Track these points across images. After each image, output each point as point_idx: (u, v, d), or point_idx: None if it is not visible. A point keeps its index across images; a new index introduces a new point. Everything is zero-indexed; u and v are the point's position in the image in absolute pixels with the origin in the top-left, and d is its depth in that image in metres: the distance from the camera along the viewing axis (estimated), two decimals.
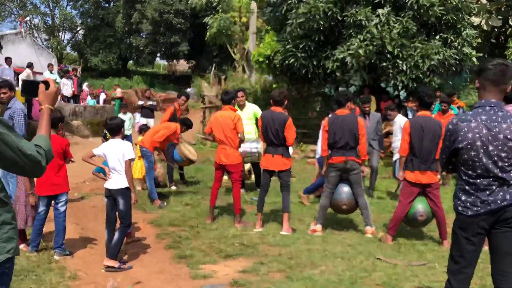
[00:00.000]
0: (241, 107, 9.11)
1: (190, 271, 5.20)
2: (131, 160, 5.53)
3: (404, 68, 11.97)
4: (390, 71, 12.16)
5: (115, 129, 5.55)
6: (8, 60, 14.89)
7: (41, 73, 17.53)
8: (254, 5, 17.97)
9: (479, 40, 13.41)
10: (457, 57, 12.29)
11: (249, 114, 9.10)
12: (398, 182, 8.23)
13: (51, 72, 16.56)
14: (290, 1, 13.15)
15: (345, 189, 6.47)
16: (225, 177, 7.92)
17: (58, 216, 5.57)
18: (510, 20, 13.67)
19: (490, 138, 3.19)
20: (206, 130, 7.21)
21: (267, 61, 14.06)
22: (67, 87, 16.93)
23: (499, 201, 3.18)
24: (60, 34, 40.42)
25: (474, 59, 12.72)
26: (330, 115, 8.61)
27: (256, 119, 8.68)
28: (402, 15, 12.15)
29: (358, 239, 6.23)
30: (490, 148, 3.20)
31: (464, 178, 3.33)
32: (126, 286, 4.96)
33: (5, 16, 37.19)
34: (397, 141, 8.32)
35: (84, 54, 38.99)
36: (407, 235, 6.41)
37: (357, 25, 12.01)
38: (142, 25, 34.59)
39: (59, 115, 5.64)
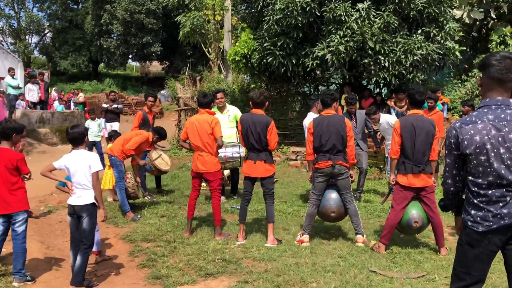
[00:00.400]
0: (221, 109, 8.65)
1: None
2: (99, 172, 5.05)
3: (386, 64, 11.66)
4: (372, 67, 11.83)
5: (77, 139, 5.05)
6: None
7: (3, 78, 16.78)
8: (228, 2, 17.51)
9: (461, 33, 13.21)
10: (440, 51, 12.04)
11: (229, 117, 8.65)
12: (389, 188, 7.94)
13: (12, 77, 15.78)
14: None
15: (333, 195, 6.08)
16: (204, 185, 7.48)
17: (15, 237, 5.04)
18: (492, 12, 13.51)
19: (500, 139, 2.82)
20: (182, 136, 6.73)
21: (244, 60, 13.61)
22: (33, 93, 16.16)
23: None
24: (27, 37, 39.34)
25: (457, 53, 12.51)
26: (308, 113, 8.30)
27: (237, 122, 8.28)
28: (383, 9, 11.84)
29: (348, 249, 5.84)
30: (502, 150, 2.82)
31: (473, 189, 2.94)
32: None
33: None
34: (389, 140, 7.99)
35: (52, 57, 38.18)
36: (401, 243, 6.05)
37: (337, 20, 11.66)
38: (113, 26, 33.85)
39: (12, 125, 5.11)
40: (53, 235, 7.22)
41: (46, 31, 40.06)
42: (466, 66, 14.24)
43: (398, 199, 5.64)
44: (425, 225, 5.73)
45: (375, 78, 12.24)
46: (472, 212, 2.93)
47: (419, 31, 12.15)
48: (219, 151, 8.02)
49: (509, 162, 2.81)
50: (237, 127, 8.25)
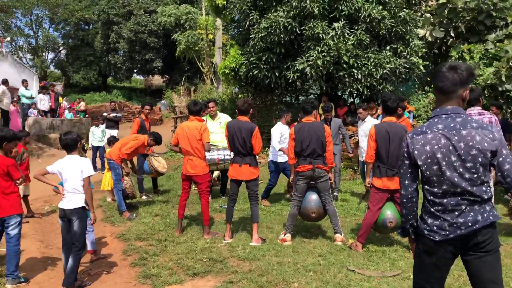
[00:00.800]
0: (213, 117, 8.19)
1: None
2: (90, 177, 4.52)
3: (359, 76, 11.24)
4: (346, 79, 11.39)
5: (70, 145, 4.54)
6: None
7: (18, 89, 16.10)
8: (219, 22, 16.99)
9: (425, 50, 12.84)
10: (406, 65, 11.65)
11: (220, 123, 8.16)
12: (364, 191, 7.48)
13: (26, 88, 15.15)
14: (252, 17, 12.26)
15: (313, 197, 5.59)
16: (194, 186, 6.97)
17: (9, 240, 4.49)
18: (451, 31, 13.15)
19: (451, 148, 2.42)
20: (172, 141, 6.20)
21: (232, 73, 13.10)
22: (44, 102, 15.53)
23: (470, 223, 2.39)
24: (44, 54, 38.43)
25: (421, 67, 12.12)
26: (278, 122, 7.86)
27: None
28: (356, 28, 11.42)
29: (328, 247, 5.35)
30: (453, 159, 2.42)
31: (429, 198, 2.52)
32: None
33: None
34: (364, 141, 7.54)
35: (66, 71, 37.41)
36: (376, 241, 5.58)
37: (315, 38, 11.21)
38: (119, 44, 33.32)
39: (2, 134, 4.55)
40: (54, 234, 6.64)
41: (61, 48, 39.10)
42: (428, 79, 13.87)
43: (374, 200, 5.17)
44: (399, 225, 5.25)
45: (349, 89, 11.79)
46: (429, 221, 2.51)
47: (388, 48, 11.76)
48: (212, 153, 7.57)
49: (461, 170, 2.40)
50: None
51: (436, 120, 2.52)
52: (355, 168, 10.68)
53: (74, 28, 37.36)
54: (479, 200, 2.40)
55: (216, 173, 8.52)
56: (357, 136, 10.26)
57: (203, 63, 19.97)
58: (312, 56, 11.15)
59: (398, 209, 5.17)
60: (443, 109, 2.51)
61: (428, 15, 13.41)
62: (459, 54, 12.45)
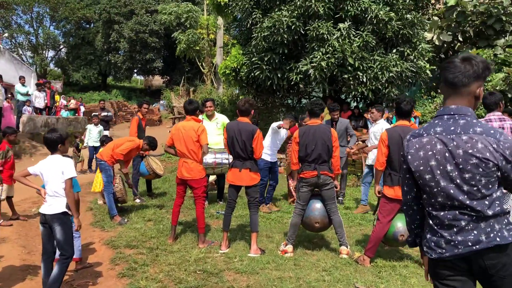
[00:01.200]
0: (210, 117, 7.74)
1: None
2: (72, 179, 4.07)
3: (364, 79, 10.82)
4: (351, 82, 10.97)
5: (51, 144, 4.09)
6: None
7: (14, 85, 15.67)
8: (220, 21, 16.57)
9: (431, 54, 12.44)
10: (413, 69, 11.24)
11: (217, 124, 7.72)
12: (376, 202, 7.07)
13: (22, 85, 14.69)
14: (254, 16, 11.85)
15: (317, 205, 5.16)
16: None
17: None
18: (458, 35, 12.75)
19: (447, 155, 2.03)
20: (167, 142, 5.76)
21: (233, 74, 12.68)
22: (39, 99, 15.07)
23: (470, 243, 1.97)
24: (44, 51, 38.02)
25: (428, 71, 11.71)
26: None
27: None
28: (362, 29, 11.02)
29: (332, 261, 4.91)
30: (449, 168, 2.03)
31: (427, 209, 2.14)
32: None
33: None
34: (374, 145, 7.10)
35: (66, 70, 37.11)
36: (385, 255, 5.14)
37: (319, 38, 10.80)
38: (120, 44, 33.05)
39: None
40: (38, 238, 6.10)
41: (61, 46, 38.74)
42: (434, 84, 13.48)
43: (385, 211, 4.73)
44: None
45: (353, 92, 11.38)
46: (428, 235, 2.13)
47: (394, 51, 11.35)
48: (209, 156, 7.14)
49: (458, 181, 2.00)
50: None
51: (436, 121, 2.13)
52: (358, 174, 10.25)
53: (75, 27, 37.05)
54: (482, 216, 1.98)
55: (212, 177, 8.10)
56: (360, 141, 9.85)
57: (203, 63, 19.52)
58: (316, 57, 10.74)
59: None
60: (447, 108, 2.11)
61: (435, 18, 13.03)
62: None
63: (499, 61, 11.47)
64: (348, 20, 10.87)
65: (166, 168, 11.21)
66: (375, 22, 10.84)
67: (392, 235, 4.75)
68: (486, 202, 1.98)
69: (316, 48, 10.91)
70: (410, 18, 11.08)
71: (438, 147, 2.05)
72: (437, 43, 12.77)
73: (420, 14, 12.20)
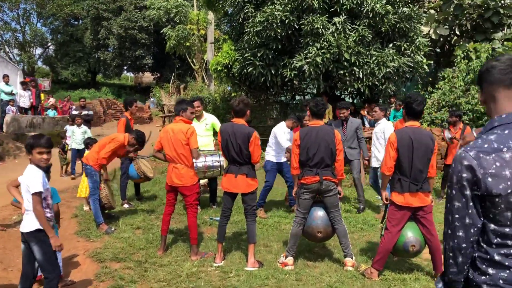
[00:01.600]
0: (198, 117, 7.21)
1: None
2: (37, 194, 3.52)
3: (361, 75, 10.41)
4: (347, 78, 10.56)
5: (27, 150, 3.60)
6: None
7: None
8: (211, 16, 16.04)
9: (428, 48, 12.06)
10: (410, 64, 10.84)
11: (206, 125, 7.22)
12: (382, 207, 6.64)
13: (6, 84, 14.04)
14: (246, 10, 11.36)
15: (320, 213, 4.72)
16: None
17: None
18: (455, 29, 12.36)
19: None
20: (156, 146, 5.28)
21: (225, 70, 12.19)
22: (24, 99, 14.43)
23: None
24: (31, 49, 37.15)
25: (425, 66, 11.32)
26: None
27: (215, 131, 6.90)
28: (358, 23, 10.60)
29: (337, 274, 4.48)
30: None
31: (494, 241, 1.67)
32: None
33: None
34: (379, 147, 6.67)
35: (55, 67, 36.34)
36: (393, 266, 4.71)
37: (314, 33, 10.36)
38: (109, 41, 32.37)
39: None
40: (17, 250, 5.66)
41: (49, 44, 37.89)
42: (430, 79, 13.10)
43: (394, 220, 4.30)
44: (422, 249, 4.42)
45: (349, 89, 10.95)
46: (491, 271, 1.67)
47: (391, 45, 10.97)
48: (199, 160, 6.65)
49: None
50: (214, 135, 6.93)
51: (507, 131, 1.66)
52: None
53: (62, 24, 36.25)
54: None
55: (203, 181, 7.63)
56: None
57: (194, 60, 18.97)
58: (311, 53, 10.31)
59: (421, 230, 4.33)
60: (510, 115, 1.67)
61: (432, 11, 12.65)
62: (465, 53, 11.68)
63: (498, 55, 11.09)
64: (344, 14, 10.45)
65: (157, 169, 10.71)
66: (371, 15, 10.42)
67: (403, 246, 4.32)
68: None
69: (311, 43, 10.47)
70: (407, 12, 10.68)
71: None
72: (433, 37, 12.39)
73: (417, 7, 11.81)
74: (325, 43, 10.23)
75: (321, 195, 4.65)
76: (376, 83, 10.62)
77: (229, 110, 5.16)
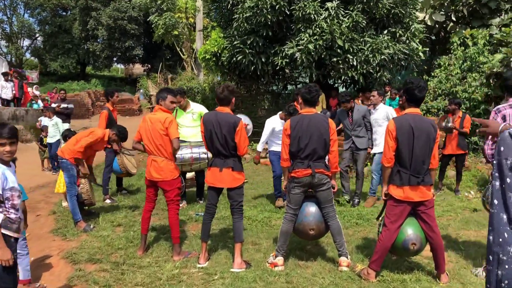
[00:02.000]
0: (184, 108, 6.76)
1: None
2: None
3: (355, 63, 9.98)
4: (341, 66, 10.13)
5: None
6: None
7: None
8: (200, 3, 15.50)
9: (423, 35, 11.65)
10: (406, 51, 10.43)
11: (193, 115, 6.78)
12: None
13: None
14: None
15: (312, 209, 4.32)
16: None
17: None
18: (451, 15, 11.95)
19: None
20: (135, 137, 4.85)
21: (214, 59, 11.71)
22: (6, 90, 13.85)
23: None
24: (19, 41, 36.32)
25: (421, 53, 10.93)
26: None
27: None
28: (351, 8, 10.16)
29: (331, 275, 4.09)
30: None
31: None
32: None
33: None
34: (379, 132, 6.37)
35: (43, 59, 35.46)
36: (391, 266, 4.33)
37: (306, 19, 9.92)
38: (98, 31, 31.55)
39: None
40: None
41: (37, 35, 37.06)
42: (425, 67, 12.72)
43: (393, 216, 3.92)
44: (423, 247, 4.04)
45: (343, 77, 10.52)
46: None
47: (386, 32, 10.53)
48: (185, 151, 6.25)
49: None
50: None
51: None
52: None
53: (50, 14, 35.35)
54: None
55: (190, 174, 7.22)
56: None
57: (182, 49, 18.44)
58: (303, 39, 9.87)
59: (422, 226, 3.95)
60: None
61: None
62: (461, 40, 11.30)
63: (495, 41, 10.71)
64: None
65: (142, 162, 10.27)
66: (365, 0, 9.97)
67: (402, 244, 3.94)
68: None
69: (303, 30, 10.02)
70: None
71: None
72: (429, 23, 11.98)
73: None
74: (318, 29, 9.80)
75: (313, 189, 4.26)
76: (371, 70, 10.21)
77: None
